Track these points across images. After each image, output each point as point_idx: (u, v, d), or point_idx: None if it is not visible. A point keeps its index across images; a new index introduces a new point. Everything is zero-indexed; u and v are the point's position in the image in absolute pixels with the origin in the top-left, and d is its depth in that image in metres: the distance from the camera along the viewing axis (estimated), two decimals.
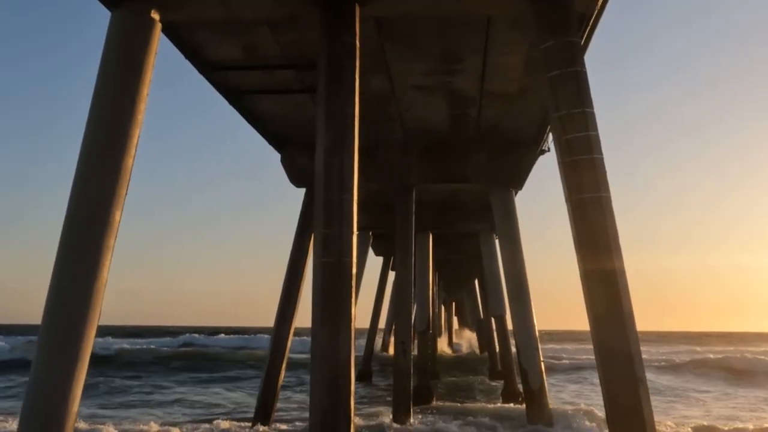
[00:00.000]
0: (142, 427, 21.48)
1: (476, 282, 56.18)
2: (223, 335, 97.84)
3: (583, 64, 10.68)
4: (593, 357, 10.56)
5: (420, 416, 23.32)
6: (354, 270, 9.77)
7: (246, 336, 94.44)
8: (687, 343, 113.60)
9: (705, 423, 23.59)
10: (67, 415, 9.48)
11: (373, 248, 39.54)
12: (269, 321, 21.45)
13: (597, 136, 10.39)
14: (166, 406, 29.33)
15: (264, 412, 20.95)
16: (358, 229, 10.43)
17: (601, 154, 10.40)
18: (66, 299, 9.62)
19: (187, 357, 56.30)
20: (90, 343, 9.70)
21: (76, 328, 9.54)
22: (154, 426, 21.48)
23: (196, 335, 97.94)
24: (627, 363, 10.00)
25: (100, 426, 21.04)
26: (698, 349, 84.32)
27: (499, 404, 28.68)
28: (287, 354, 21.58)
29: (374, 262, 51.64)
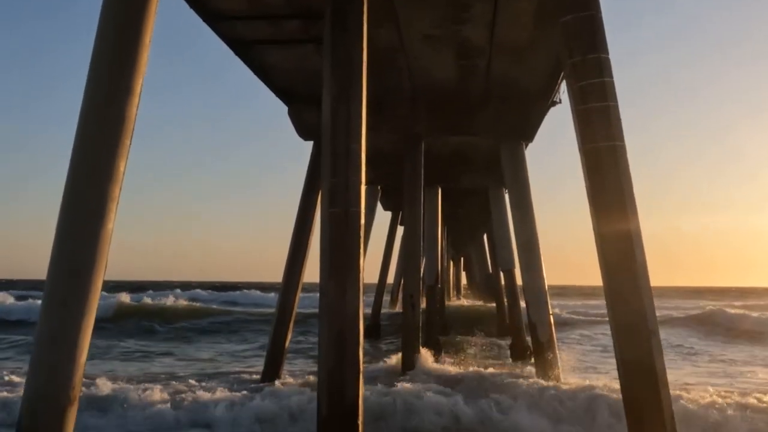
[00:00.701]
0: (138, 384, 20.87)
1: (485, 237, 56.17)
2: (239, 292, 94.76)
3: (598, 8, 10.33)
4: (605, 312, 10.43)
5: None
6: (362, 221, 9.61)
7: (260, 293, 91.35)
8: (690, 297, 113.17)
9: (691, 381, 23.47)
10: (75, 366, 9.44)
11: (381, 203, 39.44)
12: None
13: (612, 83, 10.09)
14: (166, 363, 29.08)
15: (272, 370, 21.05)
16: (367, 184, 10.25)
17: (617, 101, 10.13)
18: (72, 250, 9.51)
19: (195, 315, 55.13)
20: (97, 293, 9.63)
21: (83, 278, 9.44)
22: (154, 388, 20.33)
23: (201, 291, 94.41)
24: (640, 315, 9.87)
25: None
26: (699, 303, 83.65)
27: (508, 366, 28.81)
28: (295, 309, 21.62)
29: (383, 217, 51.65)
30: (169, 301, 60.73)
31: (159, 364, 28.74)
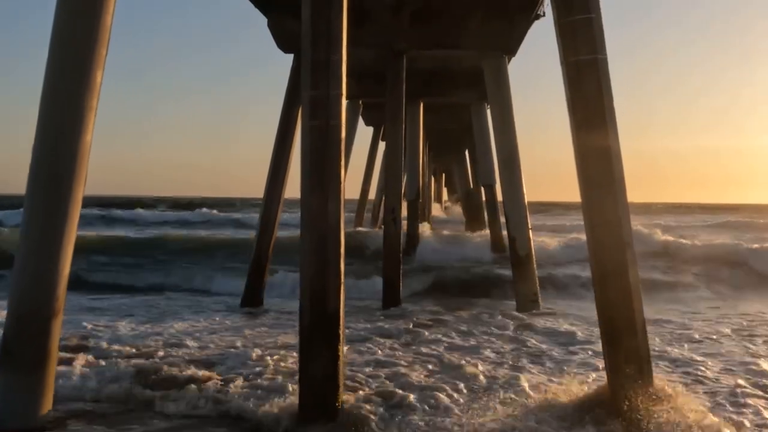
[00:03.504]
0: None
1: (466, 152, 56.16)
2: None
3: None
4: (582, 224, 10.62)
5: None
6: (343, 134, 9.58)
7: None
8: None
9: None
10: (58, 278, 9.54)
11: (363, 118, 39.14)
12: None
13: None
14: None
15: (253, 292, 21.28)
16: (348, 98, 10.15)
17: (600, 13, 10.04)
18: (51, 161, 9.46)
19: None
20: (78, 204, 9.63)
21: (63, 189, 9.42)
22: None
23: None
24: (615, 228, 10.05)
25: None
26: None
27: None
28: (277, 227, 21.75)
29: (364, 134, 51.32)
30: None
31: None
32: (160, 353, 14.15)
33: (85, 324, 17.39)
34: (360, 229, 43.68)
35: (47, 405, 9.61)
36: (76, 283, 19.70)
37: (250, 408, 10.36)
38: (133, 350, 14.36)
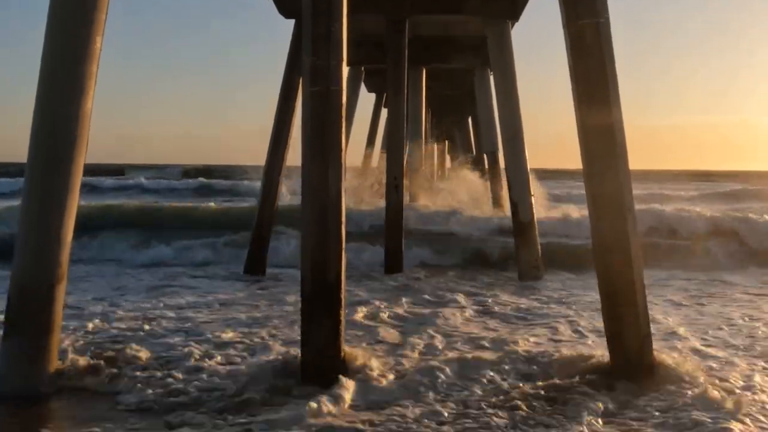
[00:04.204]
0: None
1: (469, 120, 55.94)
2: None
3: None
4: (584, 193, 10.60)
5: None
6: (344, 100, 9.55)
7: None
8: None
9: None
10: (61, 245, 9.59)
11: (365, 84, 38.90)
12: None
13: None
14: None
15: (256, 259, 21.36)
16: (349, 64, 10.11)
17: None
18: (51, 130, 9.45)
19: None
20: (80, 172, 9.65)
21: (65, 157, 9.44)
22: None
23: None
24: (617, 198, 10.05)
25: None
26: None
27: None
28: (279, 194, 21.79)
29: (366, 101, 50.90)
30: None
31: None
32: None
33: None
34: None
35: (51, 369, 9.72)
36: None
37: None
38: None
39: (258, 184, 24.48)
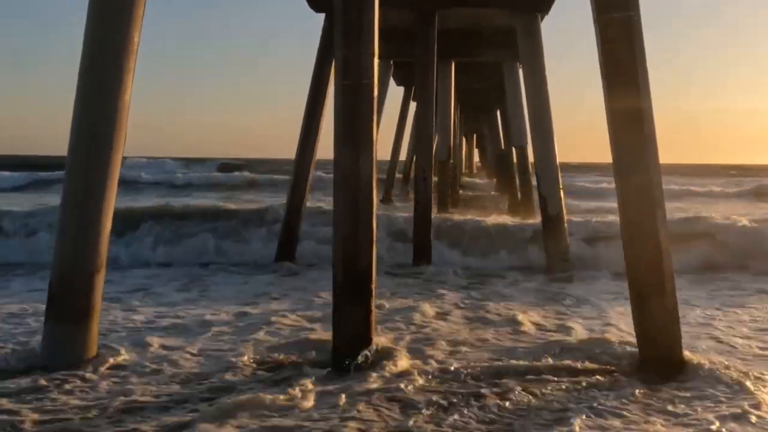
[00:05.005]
0: None
1: (498, 114, 55.74)
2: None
3: None
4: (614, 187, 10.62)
5: None
6: (375, 93, 9.70)
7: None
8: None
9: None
10: (101, 234, 9.89)
11: (394, 78, 38.94)
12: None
13: None
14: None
15: (287, 248, 21.61)
16: (379, 58, 10.24)
17: None
18: (91, 122, 9.73)
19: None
20: (118, 163, 9.93)
21: (104, 147, 9.72)
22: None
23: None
24: (646, 189, 10.06)
25: None
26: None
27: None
28: (310, 183, 22.00)
29: (395, 95, 51.00)
30: None
31: None
32: None
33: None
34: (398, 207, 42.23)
35: (91, 353, 10.08)
36: None
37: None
38: None
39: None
